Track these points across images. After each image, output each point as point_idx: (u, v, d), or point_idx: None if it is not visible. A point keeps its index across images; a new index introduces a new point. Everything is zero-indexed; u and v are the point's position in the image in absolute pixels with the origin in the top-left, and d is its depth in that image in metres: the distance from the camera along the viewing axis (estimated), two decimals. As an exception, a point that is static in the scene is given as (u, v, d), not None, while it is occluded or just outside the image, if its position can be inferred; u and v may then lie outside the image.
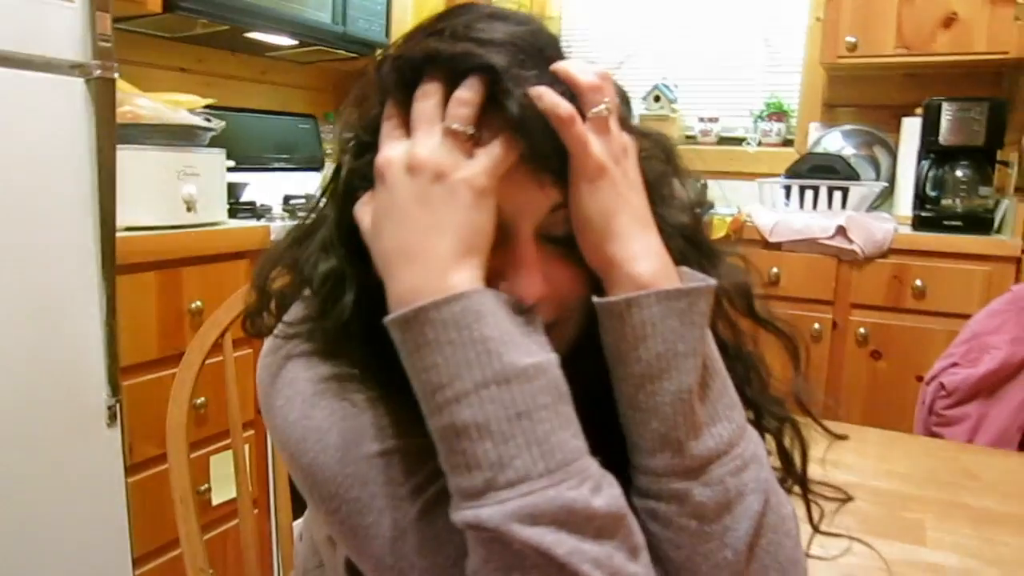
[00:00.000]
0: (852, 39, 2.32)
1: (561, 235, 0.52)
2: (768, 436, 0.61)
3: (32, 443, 1.30)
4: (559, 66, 0.50)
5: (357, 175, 0.53)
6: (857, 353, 2.21)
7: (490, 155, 0.48)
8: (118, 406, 1.41)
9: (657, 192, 0.55)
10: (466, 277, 0.46)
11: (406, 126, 0.50)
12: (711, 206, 0.62)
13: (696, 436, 0.49)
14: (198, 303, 1.67)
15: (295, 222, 0.61)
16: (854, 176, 2.33)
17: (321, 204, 0.59)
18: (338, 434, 0.52)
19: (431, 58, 0.49)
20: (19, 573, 1.30)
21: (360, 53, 2.47)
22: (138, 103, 1.57)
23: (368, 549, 0.51)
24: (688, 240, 0.56)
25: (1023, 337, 1.56)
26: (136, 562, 1.55)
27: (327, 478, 0.52)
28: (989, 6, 2.18)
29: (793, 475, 0.61)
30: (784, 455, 0.61)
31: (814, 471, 0.62)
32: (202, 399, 1.68)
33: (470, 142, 0.48)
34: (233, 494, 1.00)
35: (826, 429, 0.64)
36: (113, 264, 1.37)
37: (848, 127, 2.62)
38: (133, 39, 2.09)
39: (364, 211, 0.52)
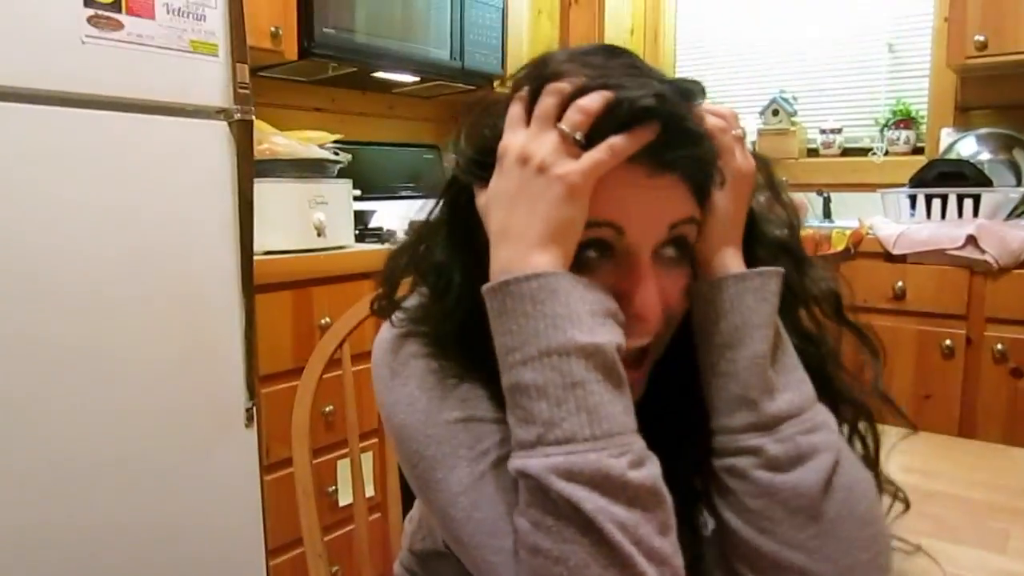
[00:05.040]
0: (981, 38, 2.20)
1: (674, 254, 0.60)
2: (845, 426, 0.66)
3: (181, 439, 1.49)
4: (705, 106, 0.59)
5: (474, 175, 0.61)
6: (995, 371, 2.07)
7: (591, 158, 0.54)
8: (255, 409, 1.58)
9: (761, 210, 0.65)
10: (547, 259, 0.54)
11: (529, 118, 0.58)
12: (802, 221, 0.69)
13: (770, 397, 0.57)
14: (327, 319, 1.83)
15: (420, 219, 0.69)
16: (986, 182, 2.19)
17: (439, 206, 0.67)
18: (427, 400, 0.61)
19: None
20: (163, 553, 1.48)
21: (479, 85, 2.62)
22: (274, 140, 1.76)
23: (437, 500, 0.59)
24: (785, 251, 0.65)
25: None
26: (273, 552, 1.72)
27: (412, 436, 0.61)
28: None
29: (868, 463, 0.65)
30: (862, 443, 0.66)
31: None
32: (330, 407, 1.84)
33: (577, 146, 0.54)
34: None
35: (905, 417, 0.69)
36: (251, 283, 1.55)
37: (984, 131, 2.47)
38: (275, 84, 2.33)
39: (482, 193, 0.60)
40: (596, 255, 0.57)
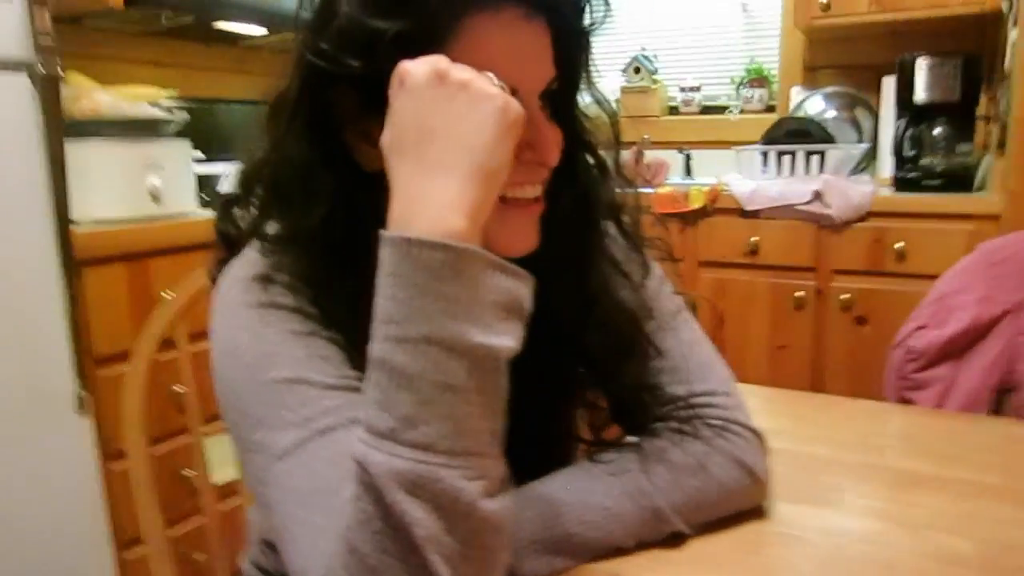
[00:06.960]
0: (825, 0, 2.27)
1: (548, 110, 0.58)
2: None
3: (3, 433, 1.34)
4: None
5: (339, 65, 0.53)
6: (841, 319, 2.19)
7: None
8: (87, 394, 1.44)
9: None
10: (464, 222, 0.46)
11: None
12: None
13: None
14: (169, 293, 1.69)
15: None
16: (829, 139, 2.30)
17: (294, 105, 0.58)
18: (253, 357, 0.54)
19: None
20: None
21: (333, 37, 2.47)
22: (96, 97, 1.58)
23: (253, 463, 0.54)
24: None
25: (991, 296, 1.53)
26: (127, 545, 1.59)
27: (236, 392, 0.55)
28: (963, -41, 2.13)
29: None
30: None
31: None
32: (182, 388, 1.71)
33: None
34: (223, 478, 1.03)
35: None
36: (71, 256, 1.40)
37: (830, 89, 2.58)
38: (103, 35, 2.10)
39: (349, 92, 0.54)
40: None
